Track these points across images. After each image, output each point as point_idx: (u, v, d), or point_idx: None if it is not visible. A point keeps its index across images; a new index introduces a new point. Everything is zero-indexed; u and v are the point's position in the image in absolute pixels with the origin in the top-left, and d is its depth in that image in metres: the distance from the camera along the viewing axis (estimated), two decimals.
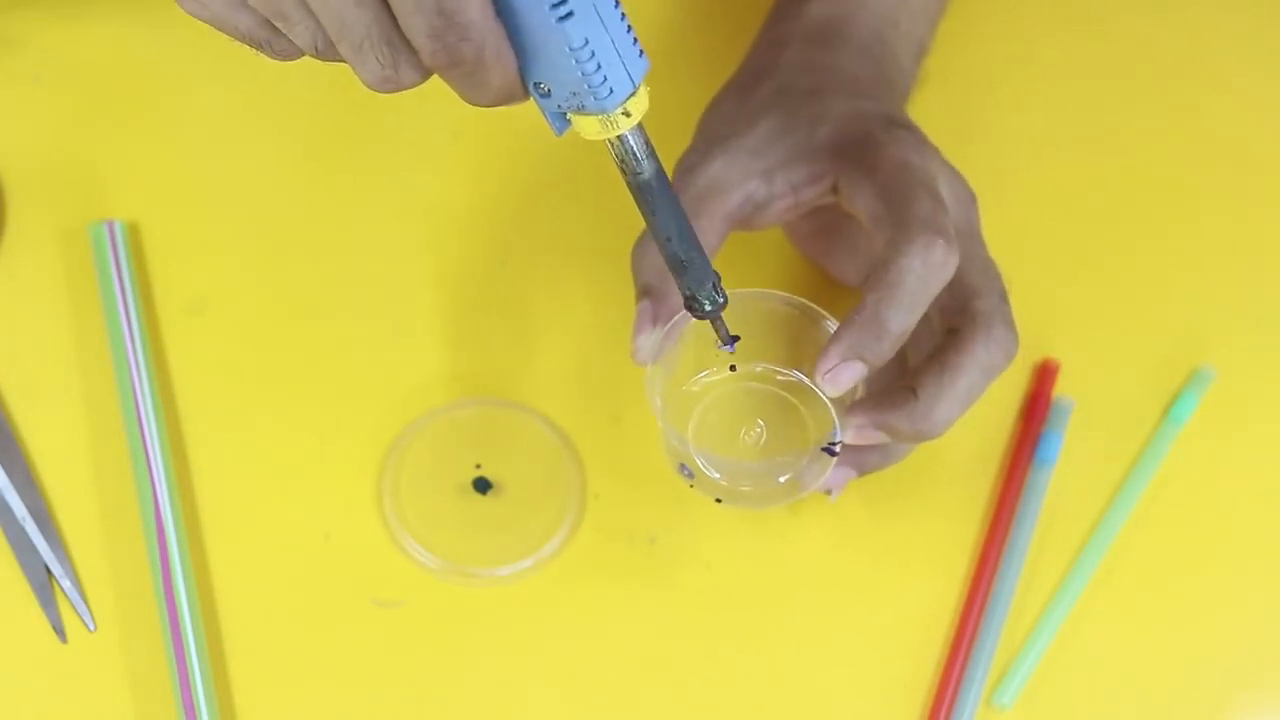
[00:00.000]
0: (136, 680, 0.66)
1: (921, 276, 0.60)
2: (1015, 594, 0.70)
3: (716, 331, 0.60)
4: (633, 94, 0.52)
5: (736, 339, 0.61)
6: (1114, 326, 0.77)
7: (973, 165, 0.72)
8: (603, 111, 0.52)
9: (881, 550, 0.66)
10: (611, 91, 0.51)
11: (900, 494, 0.70)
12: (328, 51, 0.51)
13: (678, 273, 0.59)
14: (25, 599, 0.67)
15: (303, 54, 0.52)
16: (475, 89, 0.51)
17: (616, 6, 0.50)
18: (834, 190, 0.65)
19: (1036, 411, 0.73)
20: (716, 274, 0.59)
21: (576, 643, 0.68)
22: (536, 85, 0.52)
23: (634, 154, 0.54)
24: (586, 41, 0.50)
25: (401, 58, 0.50)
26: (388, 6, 0.48)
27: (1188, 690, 0.70)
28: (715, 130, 0.68)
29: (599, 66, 0.50)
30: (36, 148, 0.77)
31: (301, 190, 0.78)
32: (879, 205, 0.62)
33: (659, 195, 0.56)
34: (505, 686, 0.67)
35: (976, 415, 0.69)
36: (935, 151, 0.65)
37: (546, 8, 0.49)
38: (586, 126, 0.53)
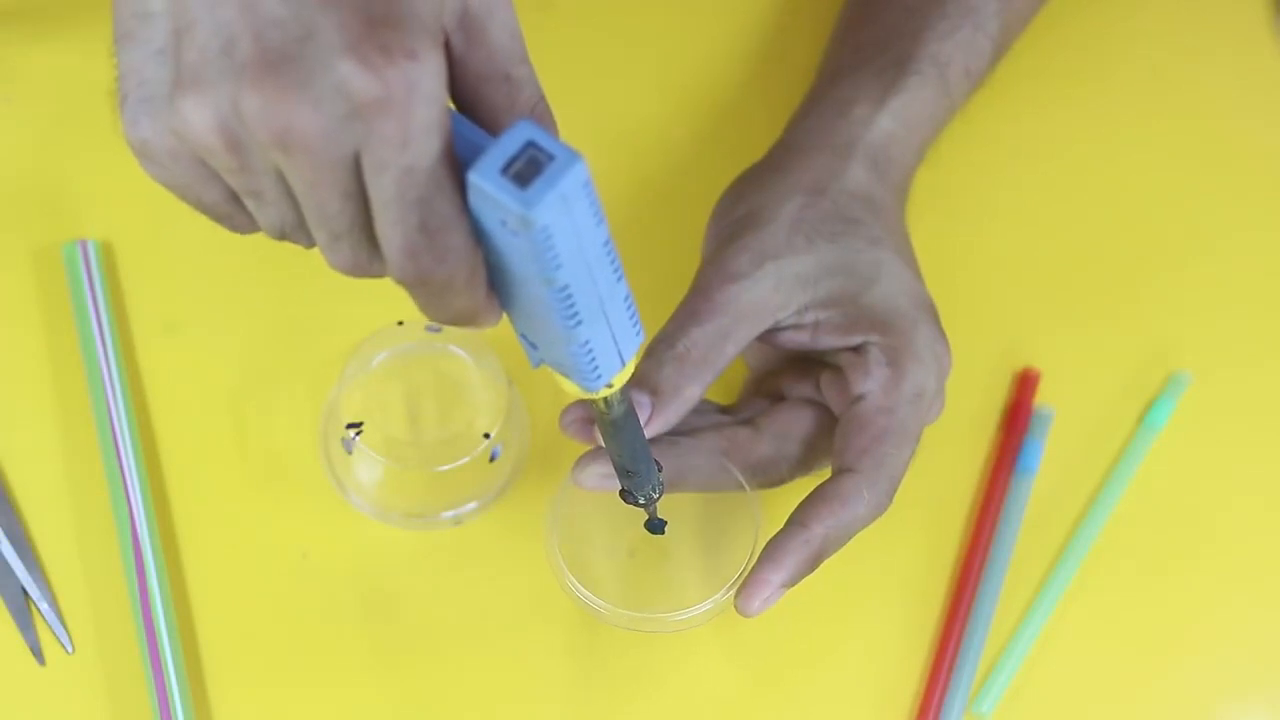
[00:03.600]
0: (115, 702, 0.65)
1: (867, 521, 0.61)
2: (999, 603, 0.70)
3: (647, 512, 0.62)
4: (620, 371, 0.52)
5: (664, 524, 0.63)
6: (1092, 334, 0.77)
7: (953, 177, 0.73)
8: (588, 390, 0.52)
9: (865, 560, 0.66)
10: (600, 377, 0.51)
11: None
12: (293, 235, 0.49)
13: (622, 477, 0.59)
14: (2, 621, 0.67)
15: (258, 230, 0.50)
16: (431, 307, 0.48)
17: (625, 297, 0.49)
18: (853, 350, 0.64)
19: (1018, 421, 0.73)
20: (659, 477, 0.60)
21: (551, 648, 0.68)
22: (524, 336, 0.51)
23: (607, 403, 0.54)
24: (587, 342, 0.49)
25: (379, 254, 0.47)
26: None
27: (1166, 696, 0.70)
28: (766, 236, 0.64)
29: (594, 360, 0.50)
30: (7, 168, 0.77)
31: None
32: (875, 419, 0.62)
33: (622, 429, 0.56)
34: (495, 708, 0.67)
35: (958, 426, 0.69)
36: (944, 340, 0.65)
37: (558, 318, 0.47)
38: (566, 384, 0.53)
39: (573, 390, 0.53)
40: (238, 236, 0.75)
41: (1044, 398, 0.74)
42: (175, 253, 0.75)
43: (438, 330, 0.71)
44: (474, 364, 0.71)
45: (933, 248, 0.69)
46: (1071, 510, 0.72)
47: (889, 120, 0.69)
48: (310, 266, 0.75)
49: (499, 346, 0.70)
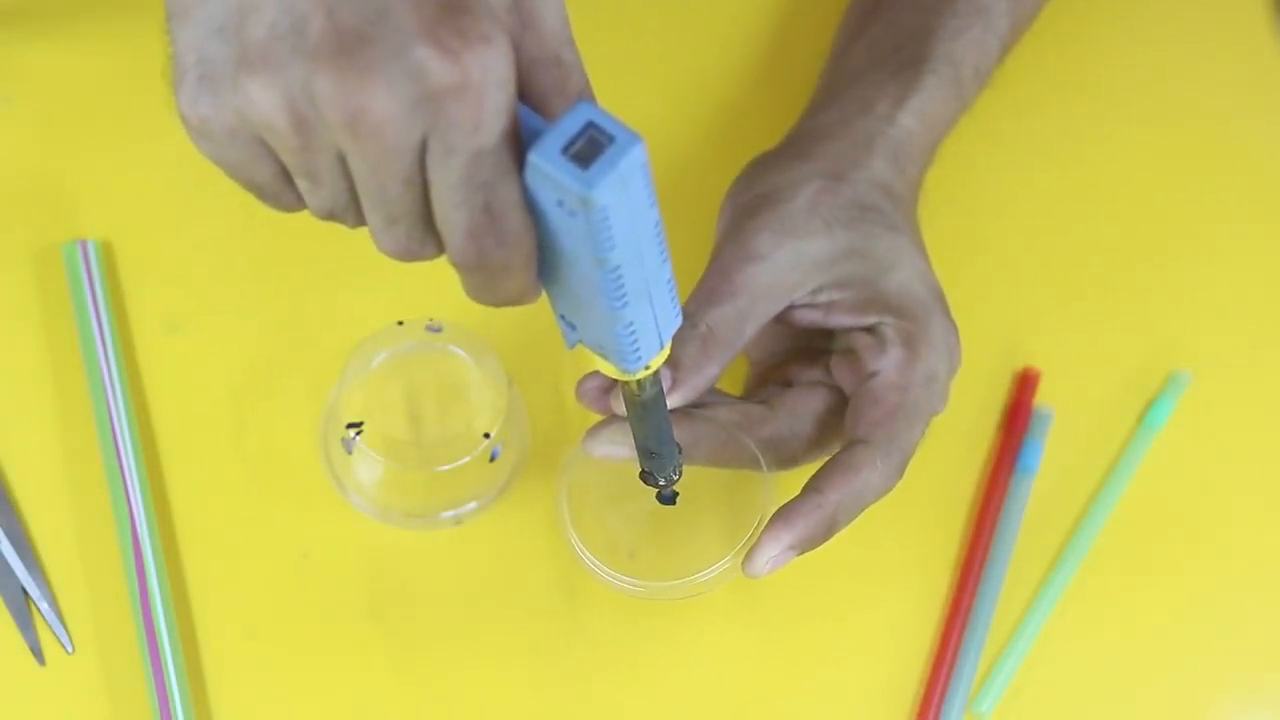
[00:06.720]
0: (115, 702, 0.65)
1: (879, 493, 0.62)
2: (999, 603, 0.70)
3: (659, 489, 0.62)
4: (659, 353, 0.52)
5: (675, 495, 0.63)
6: (1092, 334, 0.77)
7: (953, 176, 0.73)
8: (626, 371, 0.52)
9: (865, 560, 0.66)
10: (640, 358, 0.51)
11: (883, 504, 0.70)
12: (342, 216, 0.48)
13: (644, 458, 0.60)
14: (3, 621, 0.66)
15: (303, 209, 0.49)
16: (483, 290, 0.48)
17: (669, 280, 0.49)
18: (867, 331, 0.64)
19: (1018, 420, 0.73)
20: (680, 459, 0.61)
21: (553, 646, 0.68)
22: (562, 316, 0.51)
23: (641, 385, 0.55)
24: (632, 323, 0.49)
25: (431, 238, 0.47)
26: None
27: (1165, 696, 0.70)
28: (785, 215, 0.65)
29: (636, 342, 0.50)
30: (7, 168, 0.77)
31: None
32: (888, 395, 0.62)
33: (651, 410, 0.57)
34: (496, 707, 0.67)
35: (958, 425, 0.69)
36: (955, 331, 0.65)
37: (605, 298, 0.47)
38: (603, 364, 0.53)
39: (610, 371, 0.53)
40: (238, 237, 0.75)
41: (1044, 398, 0.74)
42: (175, 252, 0.75)
43: (438, 330, 0.71)
44: (474, 364, 0.71)
45: (932, 246, 0.68)
46: (1071, 510, 0.72)
47: (909, 118, 0.69)
48: (311, 267, 0.75)
49: (499, 346, 0.70)
